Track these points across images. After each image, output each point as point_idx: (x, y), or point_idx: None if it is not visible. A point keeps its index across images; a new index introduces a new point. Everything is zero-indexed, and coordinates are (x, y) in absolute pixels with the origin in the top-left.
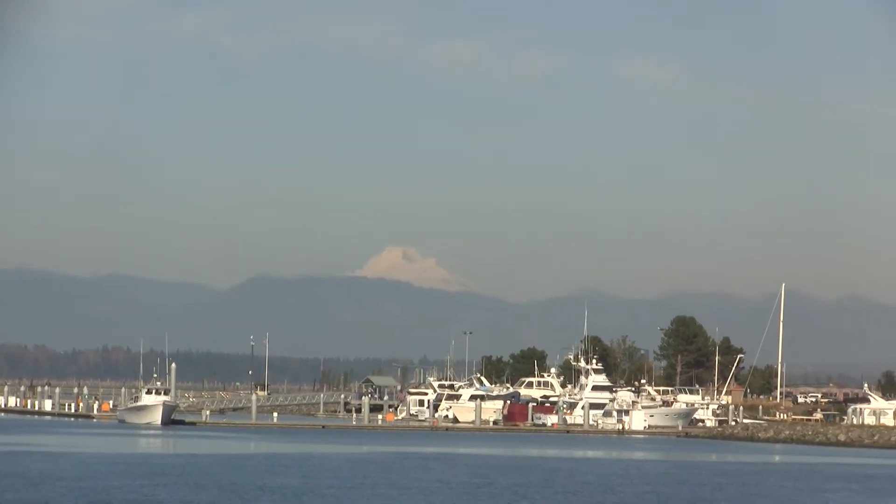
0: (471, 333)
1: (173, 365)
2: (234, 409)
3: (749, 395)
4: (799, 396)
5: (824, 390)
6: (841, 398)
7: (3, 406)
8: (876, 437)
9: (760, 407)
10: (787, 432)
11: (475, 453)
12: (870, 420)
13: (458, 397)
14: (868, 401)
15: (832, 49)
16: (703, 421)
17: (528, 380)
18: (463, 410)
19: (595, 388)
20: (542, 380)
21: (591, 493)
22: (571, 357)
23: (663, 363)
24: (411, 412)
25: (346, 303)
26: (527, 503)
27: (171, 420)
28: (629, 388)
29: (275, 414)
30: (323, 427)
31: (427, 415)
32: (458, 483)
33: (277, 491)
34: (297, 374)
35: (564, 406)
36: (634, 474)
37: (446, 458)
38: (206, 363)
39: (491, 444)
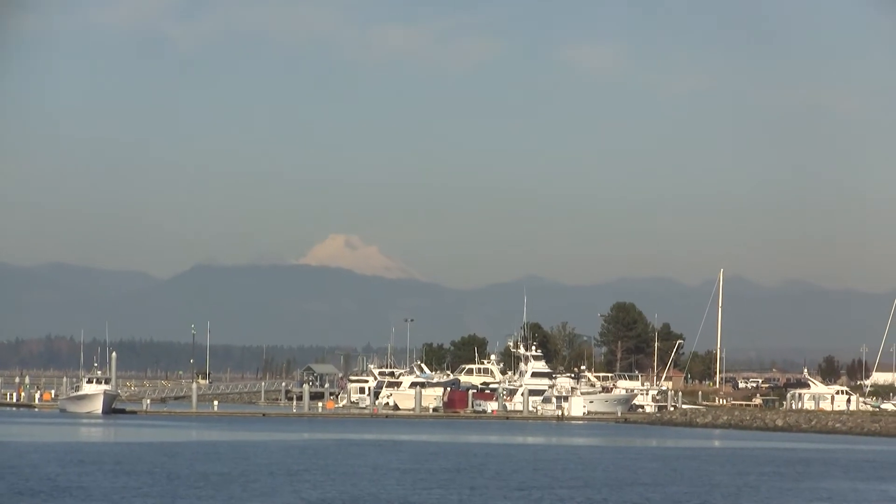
0: (412, 321)
1: (114, 354)
2: (176, 398)
3: (690, 381)
4: (740, 382)
5: (767, 375)
6: (783, 383)
7: None
8: (813, 422)
9: (700, 392)
10: (726, 417)
11: (413, 440)
12: (809, 405)
13: (398, 384)
14: (808, 386)
15: (796, 34)
16: (642, 407)
17: (468, 367)
18: (403, 398)
19: (534, 374)
20: (482, 367)
21: (521, 476)
22: (511, 344)
23: (604, 349)
24: (352, 400)
25: (290, 291)
26: (453, 487)
27: (111, 409)
28: (569, 374)
29: (215, 402)
30: (263, 415)
31: (368, 402)
32: (390, 468)
33: (206, 477)
34: (240, 363)
35: (504, 393)
36: (566, 459)
37: (383, 444)
38: (150, 352)
39: (430, 430)
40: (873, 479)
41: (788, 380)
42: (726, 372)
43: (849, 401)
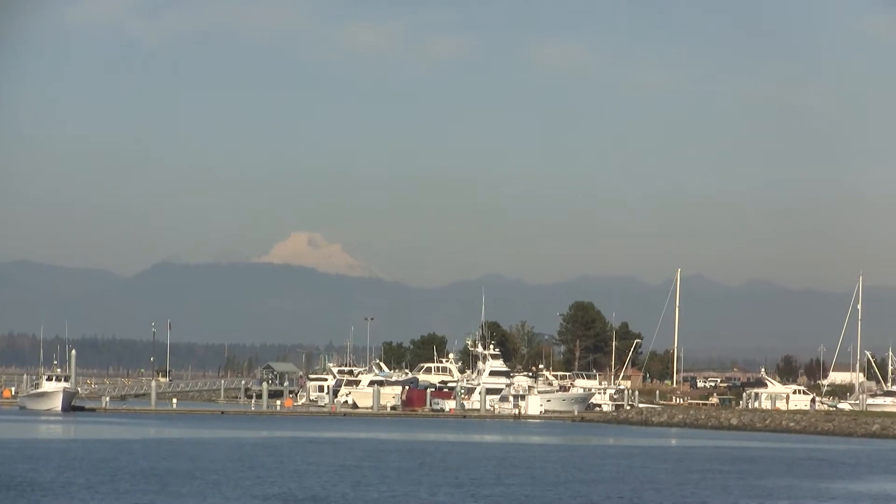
0: (372, 319)
1: (73, 352)
2: (136, 396)
3: (649, 380)
4: (699, 381)
5: (728, 375)
6: (742, 383)
7: None
8: (768, 421)
9: (657, 391)
10: (681, 416)
11: (368, 438)
12: (766, 404)
13: (357, 383)
14: (765, 385)
15: (768, 34)
16: (599, 406)
17: (426, 365)
18: (362, 396)
19: (492, 373)
20: (440, 365)
21: (467, 473)
22: (470, 343)
23: (562, 348)
24: (311, 398)
25: (252, 289)
26: (399, 484)
27: (71, 406)
28: (527, 373)
29: (174, 400)
30: (222, 413)
31: (327, 400)
32: (338, 466)
33: (151, 473)
34: (202, 361)
35: (462, 391)
36: (514, 456)
37: (336, 442)
38: (112, 350)
39: (387, 428)
40: (815, 476)
41: (748, 379)
42: (687, 371)
43: (812, 401)
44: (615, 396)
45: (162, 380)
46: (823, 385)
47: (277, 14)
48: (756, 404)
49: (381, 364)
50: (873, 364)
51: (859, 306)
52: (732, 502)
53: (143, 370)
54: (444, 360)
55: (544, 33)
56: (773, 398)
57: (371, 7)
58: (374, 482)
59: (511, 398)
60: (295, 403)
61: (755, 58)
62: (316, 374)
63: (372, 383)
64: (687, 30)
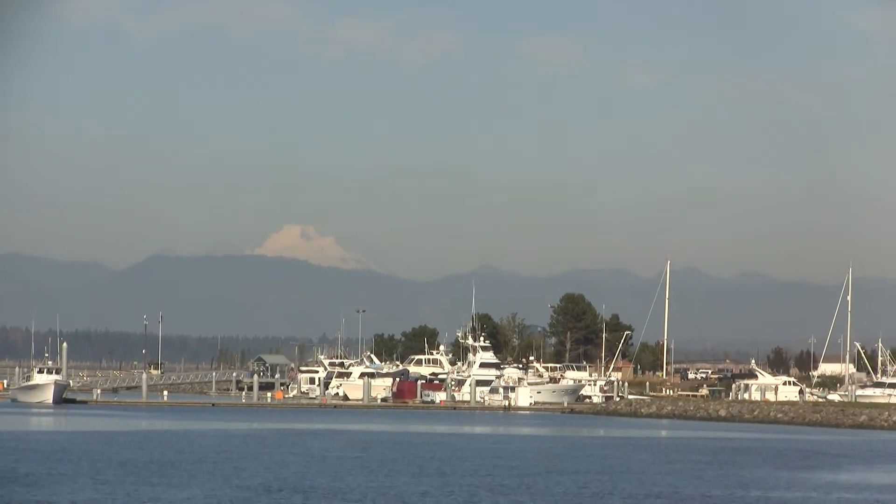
0: (364, 311)
1: (65, 344)
2: (128, 388)
3: (640, 372)
4: (690, 372)
5: (721, 366)
6: (733, 374)
7: None
8: (756, 412)
9: (647, 383)
10: (670, 408)
11: (356, 430)
12: (756, 395)
13: (348, 375)
14: (755, 376)
15: (764, 30)
16: (590, 397)
17: (417, 357)
18: (353, 388)
19: (482, 365)
20: (431, 357)
21: (448, 464)
22: (461, 335)
23: (553, 340)
24: (302, 390)
25: (245, 281)
26: (375, 474)
27: (62, 399)
28: (517, 364)
29: (165, 392)
30: (213, 405)
31: (318, 392)
32: (320, 457)
33: (131, 464)
34: (195, 353)
35: (453, 383)
36: (497, 447)
37: (323, 433)
38: (105, 342)
39: (376, 420)
40: (794, 467)
41: (740, 371)
42: (680, 363)
43: (801, 392)
44: (605, 388)
45: (154, 372)
46: (814, 376)
47: (270, 10)
48: (745, 395)
49: (372, 356)
50: (863, 355)
51: (849, 298)
52: (704, 491)
53: (135, 363)
54: (434, 352)
55: (538, 29)
56: (762, 389)
57: (363, 3)
58: (356, 472)
59: (501, 390)
60: (286, 395)
61: (747, 53)
62: (309, 366)
63: (363, 375)
64: (681, 26)
